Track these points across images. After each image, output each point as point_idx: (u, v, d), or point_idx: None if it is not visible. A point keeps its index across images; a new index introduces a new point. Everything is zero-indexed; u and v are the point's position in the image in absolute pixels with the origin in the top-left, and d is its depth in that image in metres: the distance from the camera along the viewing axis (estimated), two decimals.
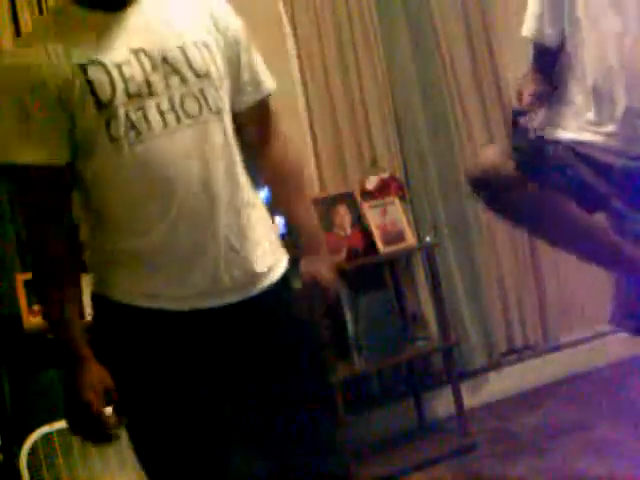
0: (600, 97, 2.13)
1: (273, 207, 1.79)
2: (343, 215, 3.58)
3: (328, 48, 3.83)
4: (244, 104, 1.71)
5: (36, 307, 3.01)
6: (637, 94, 2.11)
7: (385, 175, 3.74)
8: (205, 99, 1.56)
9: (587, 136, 2.14)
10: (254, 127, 1.74)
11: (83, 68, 1.49)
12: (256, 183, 1.71)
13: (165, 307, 1.56)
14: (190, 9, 1.63)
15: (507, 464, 2.28)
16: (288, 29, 3.81)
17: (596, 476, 2.69)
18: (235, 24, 1.69)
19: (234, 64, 1.67)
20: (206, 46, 1.59)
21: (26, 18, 3.21)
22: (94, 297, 1.67)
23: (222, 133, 1.59)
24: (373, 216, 3.60)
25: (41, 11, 3.23)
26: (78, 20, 1.54)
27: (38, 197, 1.54)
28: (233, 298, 1.59)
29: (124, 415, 1.56)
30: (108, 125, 1.49)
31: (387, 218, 3.62)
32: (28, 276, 3.04)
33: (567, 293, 4.08)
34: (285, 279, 1.69)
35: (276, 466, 1.68)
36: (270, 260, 1.66)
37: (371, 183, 3.69)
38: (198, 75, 1.56)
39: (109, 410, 1.56)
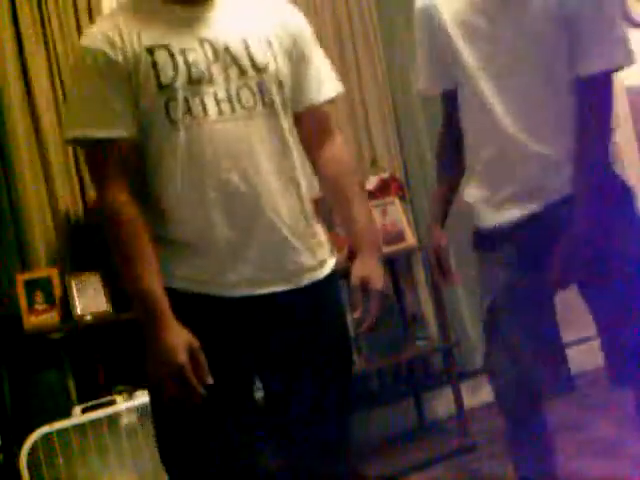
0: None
1: (327, 205, 1.85)
2: None
3: (328, 48, 3.83)
4: (303, 104, 1.75)
5: (37, 307, 3.02)
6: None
7: (385, 175, 3.74)
8: (261, 93, 1.62)
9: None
10: (313, 127, 1.78)
11: (150, 50, 1.57)
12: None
13: (214, 293, 1.60)
14: (260, 8, 1.71)
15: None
16: None
17: (596, 476, 2.68)
18: (304, 29, 1.76)
19: (298, 66, 1.73)
20: (269, 43, 1.66)
21: (26, 18, 3.21)
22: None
23: (275, 127, 1.64)
24: (373, 216, 3.60)
25: (41, 12, 3.24)
26: (155, 9, 1.63)
27: (111, 169, 1.59)
28: (280, 287, 1.63)
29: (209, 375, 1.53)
30: (167, 106, 1.57)
31: (387, 218, 3.62)
32: (28, 276, 3.05)
33: (567, 293, 4.08)
34: (332, 277, 1.73)
35: (290, 461, 1.72)
36: (320, 255, 1.71)
37: (371, 183, 3.69)
38: (257, 69, 1.62)
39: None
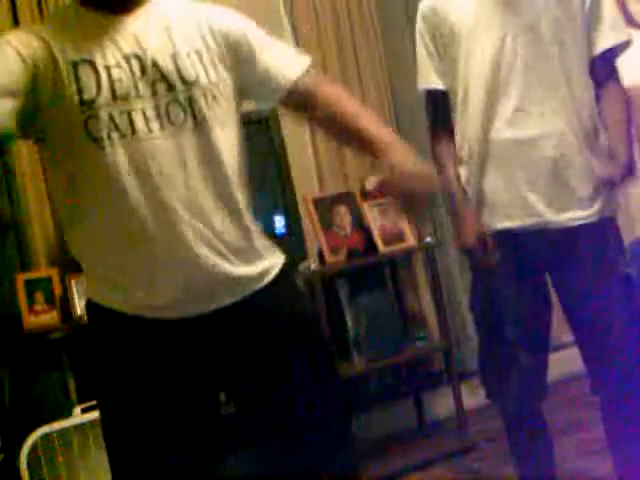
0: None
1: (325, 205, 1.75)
2: (343, 215, 3.57)
3: (328, 48, 3.83)
4: (277, 98, 1.70)
5: (37, 307, 3.02)
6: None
7: None
8: (191, 108, 1.55)
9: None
10: (298, 104, 1.72)
11: (74, 64, 1.50)
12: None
13: (146, 315, 1.56)
14: (186, 16, 1.63)
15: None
16: (288, 29, 3.81)
17: (596, 476, 2.68)
18: (238, 29, 1.66)
19: (247, 65, 1.65)
20: (198, 54, 1.59)
21: (26, 18, 3.21)
22: (87, 302, 1.65)
23: (207, 142, 1.57)
24: (373, 216, 3.60)
25: (41, 12, 3.24)
26: (81, 20, 1.56)
27: None
28: (217, 304, 1.57)
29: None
30: (86, 124, 1.50)
31: (387, 218, 3.61)
32: (28, 276, 3.05)
33: None
34: (278, 281, 1.65)
35: (280, 468, 1.67)
36: (261, 265, 1.63)
37: (371, 183, 3.69)
38: (186, 82, 1.55)
39: None
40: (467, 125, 2.07)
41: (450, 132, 2.15)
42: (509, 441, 2.19)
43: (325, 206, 3.52)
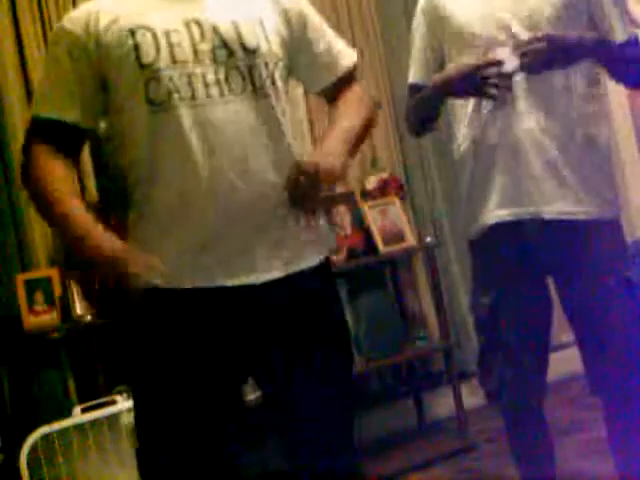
0: None
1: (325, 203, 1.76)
2: (343, 215, 3.58)
3: None
4: (319, 85, 1.73)
5: (37, 307, 3.02)
6: None
7: (385, 175, 3.74)
8: (251, 76, 1.57)
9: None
10: (334, 98, 1.75)
11: (132, 32, 1.53)
12: None
13: (197, 285, 1.54)
14: None
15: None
16: None
17: (596, 476, 2.68)
18: (298, 6, 1.70)
19: (298, 45, 1.68)
20: (260, 22, 1.60)
21: (26, 18, 3.21)
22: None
23: (266, 111, 1.58)
24: (373, 216, 3.60)
25: (42, 12, 3.24)
26: None
27: (44, 146, 1.57)
28: (262, 278, 1.56)
29: None
30: (147, 86, 1.52)
31: (387, 218, 3.62)
32: (28, 276, 3.05)
33: None
34: (323, 271, 1.65)
35: (289, 456, 1.69)
36: (305, 249, 1.62)
37: (371, 183, 3.69)
38: (247, 50, 1.57)
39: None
40: (472, 120, 2.05)
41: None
42: (509, 441, 2.19)
43: (325, 206, 3.52)
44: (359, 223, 3.61)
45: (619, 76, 2.09)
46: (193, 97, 1.52)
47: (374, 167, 3.82)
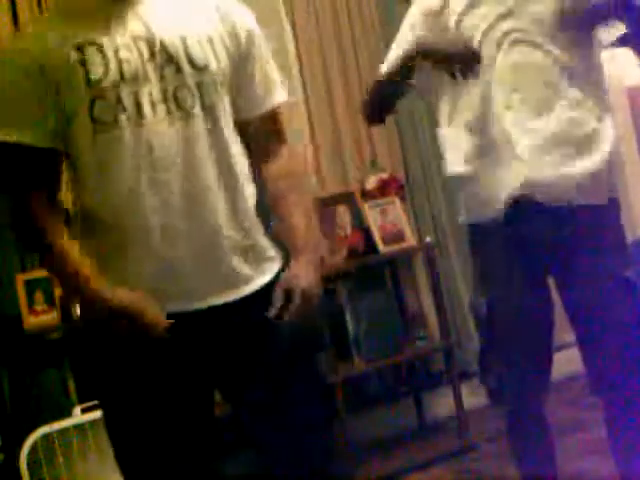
0: None
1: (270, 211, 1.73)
2: (343, 215, 3.57)
3: (328, 48, 3.83)
4: (252, 112, 1.67)
5: (37, 307, 3.02)
6: None
7: (385, 175, 3.74)
8: (200, 94, 1.54)
9: None
10: (262, 136, 1.69)
11: (80, 48, 1.49)
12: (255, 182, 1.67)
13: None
14: (198, 4, 1.62)
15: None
16: (288, 29, 3.81)
17: (596, 476, 2.68)
18: (246, 24, 1.65)
19: (243, 65, 1.63)
20: (209, 40, 1.57)
21: (26, 18, 3.21)
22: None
23: (215, 130, 1.55)
24: (373, 216, 3.60)
25: (41, 11, 3.24)
26: (88, 4, 1.56)
27: (25, 176, 1.54)
28: (219, 300, 1.56)
29: None
30: (92, 105, 1.49)
31: (387, 218, 3.62)
32: (28, 276, 3.05)
33: None
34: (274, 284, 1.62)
35: (267, 470, 1.67)
36: (262, 265, 1.62)
37: (371, 183, 3.69)
38: (195, 67, 1.54)
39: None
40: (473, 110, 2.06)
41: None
42: (510, 441, 2.19)
43: (325, 206, 3.52)
44: (359, 223, 3.61)
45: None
46: (139, 116, 1.49)
47: (374, 167, 3.82)
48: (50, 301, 3.03)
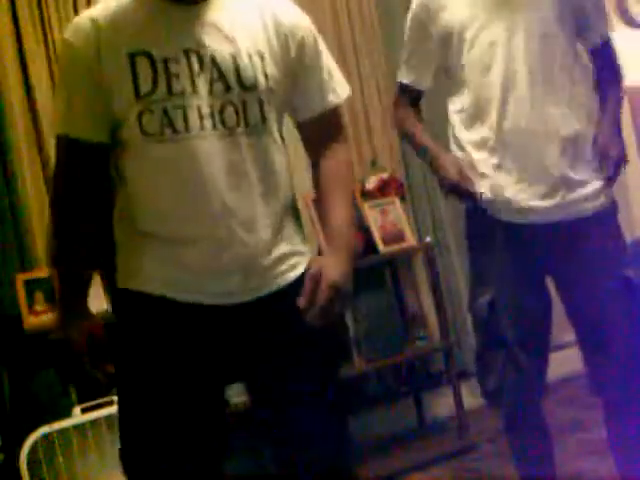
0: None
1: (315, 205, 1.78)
2: None
3: (328, 48, 3.81)
4: (309, 113, 1.69)
5: (37, 307, 3.02)
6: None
7: (385, 175, 3.74)
8: (245, 112, 1.55)
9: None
10: (319, 137, 1.71)
11: (132, 56, 1.51)
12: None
13: (192, 300, 1.56)
14: (254, 12, 1.61)
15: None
16: None
17: (596, 476, 2.68)
18: (301, 29, 1.65)
19: (298, 74, 1.65)
20: (260, 55, 1.57)
21: (26, 18, 3.21)
22: (116, 292, 1.66)
23: (257, 146, 1.57)
24: (373, 216, 3.60)
25: (41, 12, 3.24)
26: (144, 6, 1.56)
27: (77, 170, 1.60)
28: (249, 297, 1.59)
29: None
30: (140, 117, 1.51)
31: (387, 218, 3.62)
32: (28, 276, 3.05)
33: None
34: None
35: (280, 463, 1.69)
36: (291, 261, 1.64)
37: (371, 183, 3.69)
38: (244, 86, 1.55)
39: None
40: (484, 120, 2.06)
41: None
42: (508, 441, 2.19)
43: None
44: (359, 223, 3.60)
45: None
46: (186, 129, 1.51)
47: (374, 167, 3.81)
48: (50, 301, 3.03)
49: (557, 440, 2.21)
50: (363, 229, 3.59)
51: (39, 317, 3.00)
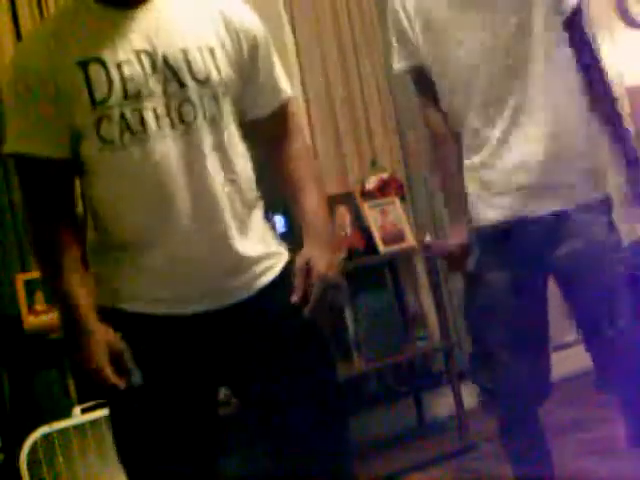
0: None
1: (283, 202, 1.77)
2: (343, 215, 3.57)
3: (328, 48, 3.83)
4: (262, 111, 1.69)
5: (37, 307, 3.02)
6: None
7: (385, 175, 3.74)
8: (202, 107, 1.55)
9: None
10: (274, 132, 1.71)
11: (83, 64, 1.50)
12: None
13: (165, 312, 1.56)
14: (201, 9, 1.61)
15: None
16: (288, 29, 3.81)
17: (596, 476, 2.68)
18: (251, 26, 1.65)
19: (247, 70, 1.64)
20: (210, 51, 1.57)
21: (26, 18, 3.21)
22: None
23: (217, 141, 1.56)
24: (373, 216, 3.60)
25: (41, 11, 3.24)
26: (88, 15, 1.55)
27: (39, 187, 1.58)
28: (228, 301, 1.58)
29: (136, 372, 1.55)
30: (99, 124, 1.50)
31: (387, 218, 3.62)
32: (28, 276, 3.05)
33: None
34: (283, 278, 1.64)
35: (278, 466, 1.68)
36: (266, 262, 1.63)
37: (371, 183, 3.69)
38: (197, 81, 1.54)
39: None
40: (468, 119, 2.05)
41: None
42: (503, 444, 2.18)
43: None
44: (359, 223, 3.61)
45: None
46: (144, 131, 1.50)
47: (374, 167, 3.82)
48: (50, 301, 3.03)
49: (557, 440, 2.21)
50: (363, 229, 3.59)
51: (39, 317, 3.01)
